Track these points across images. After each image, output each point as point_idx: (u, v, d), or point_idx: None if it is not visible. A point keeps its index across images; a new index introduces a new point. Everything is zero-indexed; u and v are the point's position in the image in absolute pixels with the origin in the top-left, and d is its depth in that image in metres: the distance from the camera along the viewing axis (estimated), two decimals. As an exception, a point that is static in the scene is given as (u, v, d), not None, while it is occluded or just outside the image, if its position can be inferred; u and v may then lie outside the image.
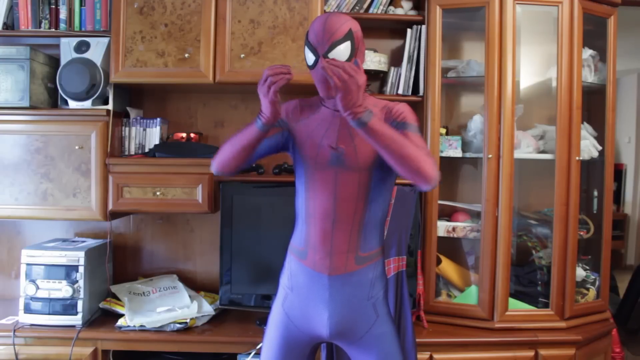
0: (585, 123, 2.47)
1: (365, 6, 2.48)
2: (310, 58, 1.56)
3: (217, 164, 1.63)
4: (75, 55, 2.33)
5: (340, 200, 1.60)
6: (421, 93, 2.44)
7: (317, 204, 1.62)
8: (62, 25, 2.39)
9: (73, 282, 2.24)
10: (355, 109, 1.38)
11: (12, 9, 2.41)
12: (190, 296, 2.43)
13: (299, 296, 1.65)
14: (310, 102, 1.71)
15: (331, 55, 1.53)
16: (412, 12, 2.54)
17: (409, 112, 1.62)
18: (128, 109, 2.53)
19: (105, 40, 2.34)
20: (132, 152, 2.49)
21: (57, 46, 2.37)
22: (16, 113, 2.32)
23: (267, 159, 2.56)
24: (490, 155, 2.30)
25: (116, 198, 2.32)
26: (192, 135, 2.56)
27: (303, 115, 1.69)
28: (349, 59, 1.55)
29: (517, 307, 2.34)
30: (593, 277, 2.51)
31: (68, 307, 2.24)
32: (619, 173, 6.37)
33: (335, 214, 1.60)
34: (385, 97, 2.33)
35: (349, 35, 1.54)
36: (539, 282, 2.44)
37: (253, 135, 1.55)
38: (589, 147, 2.46)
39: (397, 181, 1.79)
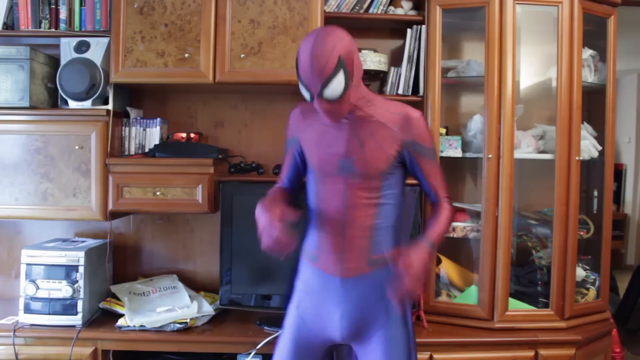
0: (585, 123, 2.47)
1: (365, 6, 2.48)
2: (306, 95, 1.51)
3: None
4: (75, 55, 2.33)
5: (351, 206, 1.59)
6: (421, 93, 2.44)
7: (328, 210, 1.62)
8: (62, 25, 2.39)
9: (73, 282, 2.24)
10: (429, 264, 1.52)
11: (12, 9, 2.41)
12: (190, 296, 2.42)
13: (313, 299, 1.65)
14: (312, 107, 1.66)
15: (326, 92, 1.46)
16: (412, 12, 2.53)
17: (426, 129, 1.61)
18: (128, 109, 2.53)
19: (105, 40, 2.34)
20: (132, 152, 2.49)
21: (57, 46, 2.37)
22: (16, 113, 2.32)
23: (266, 159, 2.58)
24: (490, 155, 2.30)
25: (116, 198, 2.32)
26: (192, 135, 2.56)
27: (306, 122, 1.68)
28: (345, 89, 1.47)
29: (517, 307, 2.34)
30: (593, 277, 2.51)
31: (68, 307, 2.24)
32: (619, 173, 6.37)
33: (346, 219, 1.60)
34: (385, 97, 2.32)
35: (340, 65, 1.45)
36: (539, 282, 2.44)
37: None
38: (589, 147, 2.45)
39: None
